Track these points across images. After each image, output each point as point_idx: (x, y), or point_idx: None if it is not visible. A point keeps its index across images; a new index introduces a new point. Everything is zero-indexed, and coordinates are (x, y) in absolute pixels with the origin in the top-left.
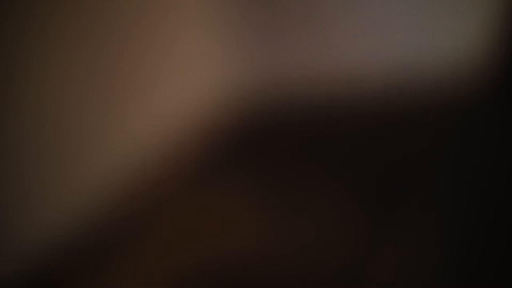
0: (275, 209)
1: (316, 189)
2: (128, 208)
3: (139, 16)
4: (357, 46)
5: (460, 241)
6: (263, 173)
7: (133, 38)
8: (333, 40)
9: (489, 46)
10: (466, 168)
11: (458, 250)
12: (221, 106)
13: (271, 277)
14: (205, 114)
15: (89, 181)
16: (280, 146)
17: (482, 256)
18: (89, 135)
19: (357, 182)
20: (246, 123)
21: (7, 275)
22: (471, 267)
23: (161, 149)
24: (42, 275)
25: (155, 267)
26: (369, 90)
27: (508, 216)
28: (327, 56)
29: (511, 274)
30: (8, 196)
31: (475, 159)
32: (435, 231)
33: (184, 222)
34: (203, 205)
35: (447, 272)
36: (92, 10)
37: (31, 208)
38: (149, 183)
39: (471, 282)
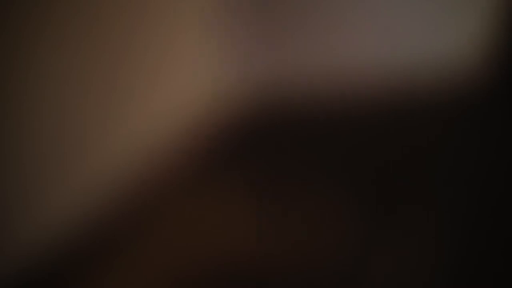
0: (274, 208)
1: (316, 189)
2: (128, 207)
3: (139, 16)
4: (356, 46)
5: (460, 241)
6: (262, 173)
7: (134, 38)
8: (333, 39)
9: (489, 46)
10: (466, 168)
11: (458, 250)
12: (221, 106)
13: (270, 277)
14: (206, 113)
15: (89, 180)
16: (279, 146)
17: (482, 256)
18: (89, 134)
19: (357, 182)
20: (246, 123)
21: (8, 273)
22: (471, 267)
23: (161, 148)
24: (43, 273)
25: (156, 266)
26: (369, 89)
27: (508, 216)
28: (327, 56)
29: (511, 274)
30: (9, 195)
31: (475, 158)
32: (435, 231)
33: (184, 221)
34: (203, 205)
35: (447, 272)
36: (93, 10)
37: (32, 206)
38: (149, 182)
39: (471, 282)
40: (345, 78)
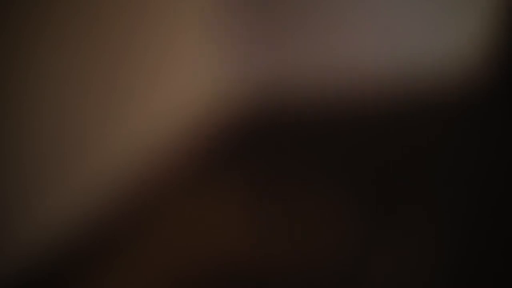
0: (274, 208)
1: (316, 188)
2: (128, 207)
3: (139, 16)
4: (356, 46)
5: (460, 241)
6: (262, 173)
7: (134, 38)
8: (333, 39)
9: (489, 46)
10: (466, 168)
11: (458, 250)
12: (221, 106)
13: (270, 277)
14: (206, 113)
15: (89, 180)
16: (279, 146)
17: (482, 256)
18: (89, 134)
19: (357, 182)
20: (246, 123)
21: (8, 273)
22: (471, 267)
23: (161, 148)
24: (43, 273)
25: (156, 266)
26: (369, 89)
27: (508, 216)
28: (327, 56)
29: (511, 274)
30: (9, 195)
31: (475, 158)
32: (435, 231)
33: (184, 221)
34: (203, 205)
35: (447, 272)
36: (93, 10)
37: (32, 206)
38: (149, 182)
39: (471, 282)
40: (345, 78)
